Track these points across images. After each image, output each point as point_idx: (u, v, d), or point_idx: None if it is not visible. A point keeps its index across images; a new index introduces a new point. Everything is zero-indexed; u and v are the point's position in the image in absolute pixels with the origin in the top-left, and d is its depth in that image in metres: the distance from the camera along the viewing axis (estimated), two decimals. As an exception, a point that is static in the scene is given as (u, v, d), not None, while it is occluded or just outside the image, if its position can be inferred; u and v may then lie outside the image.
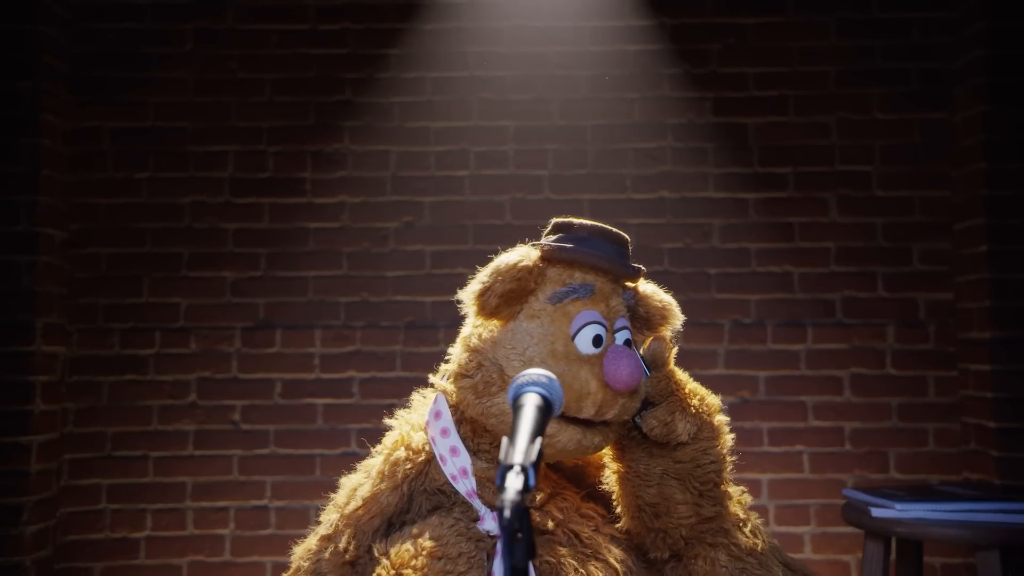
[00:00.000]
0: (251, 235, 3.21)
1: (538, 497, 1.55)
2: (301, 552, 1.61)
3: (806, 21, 3.25)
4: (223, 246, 3.20)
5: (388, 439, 1.66)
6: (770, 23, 3.26)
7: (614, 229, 1.57)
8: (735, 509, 1.56)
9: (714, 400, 1.56)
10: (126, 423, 3.12)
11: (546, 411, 1.24)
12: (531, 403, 1.22)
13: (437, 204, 3.23)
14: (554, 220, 1.61)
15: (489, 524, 1.48)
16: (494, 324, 1.53)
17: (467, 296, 1.52)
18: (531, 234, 3.18)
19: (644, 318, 1.60)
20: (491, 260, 1.55)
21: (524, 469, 1.07)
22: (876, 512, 2.12)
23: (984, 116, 2.98)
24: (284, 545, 3.10)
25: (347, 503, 1.59)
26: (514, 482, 1.04)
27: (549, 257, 1.53)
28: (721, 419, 1.56)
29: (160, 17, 3.25)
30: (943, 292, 3.15)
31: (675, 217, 3.21)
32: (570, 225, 1.57)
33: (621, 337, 1.50)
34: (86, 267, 3.17)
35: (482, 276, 1.51)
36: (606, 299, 1.51)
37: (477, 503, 1.51)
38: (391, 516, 1.55)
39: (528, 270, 1.48)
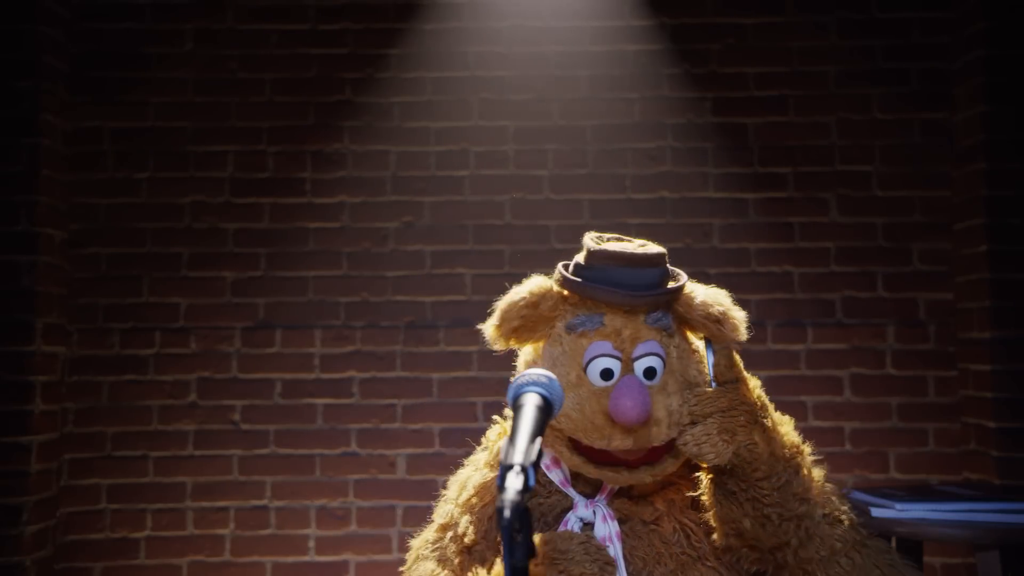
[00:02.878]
0: (251, 235, 3.21)
1: (637, 485, 1.52)
2: (419, 543, 1.63)
3: (806, 21, 3.25)
4: (223, 246, 3.20)
5: (492, 432, 1.70)
6: (770, 23, 3.26)
7: (638, 251, 1.49)
8: (810, 549, 1.46)
9: (771, 428, 1.46)
10: (126, 423, 3.12)
11: (546, 411, 1.24)
12: (531, 403, 1.22)
13: (437, 204, 3.23)
14: (586, 237, 1.55)
15: (582, 511, 1.50)
16: (529, 346, 1.56)
17: (486, 332, 1.54)
18: (531, 234, 3.20)
19: (698, 329, 1.52)
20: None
21: (524, 469, 1.07)
22: (876, 512, 2.12)
23: (984, 116, 2.98)
24: (284, 545, 3.11)
25: (459, 494, 1.62)
26: (514, 482, 1.04)
27: (561, 287, 1.52)
28: (792, 451, 1.47)
29: (160, 17, 3.25)
30: (943, 292, 3.15)
31: (675, 217, 3.21)
32: (588, 250, 1.52)
33: (642, 365, 1.46)
34: (86, 267, 3.17)
35: (496, 311, 1.52)
36: (617, 330, 1.47)
37: (570, 491, 1.54)
38: None
39: (533, 306, 1.49)
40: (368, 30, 3.26)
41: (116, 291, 3.17)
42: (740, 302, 3.34)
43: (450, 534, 1.57)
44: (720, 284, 1.47)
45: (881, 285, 3.16)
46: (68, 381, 3.12)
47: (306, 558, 3.09)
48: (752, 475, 1.43)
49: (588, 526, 1.49)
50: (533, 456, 1.10)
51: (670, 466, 1.49)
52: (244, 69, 3.25)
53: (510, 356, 3.34)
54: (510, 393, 1.28)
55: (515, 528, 1.01)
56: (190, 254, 3.20)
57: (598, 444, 1.45)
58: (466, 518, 1.55)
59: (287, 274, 3.20)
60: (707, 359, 1.49)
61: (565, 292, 1.52)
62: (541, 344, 1.55)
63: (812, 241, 3.19)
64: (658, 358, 1.46)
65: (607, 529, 1.48)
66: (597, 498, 1.53)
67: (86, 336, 3.15)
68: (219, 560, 3.08)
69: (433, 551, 1.58)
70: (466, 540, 1.53)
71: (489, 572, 1.42)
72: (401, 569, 1.66)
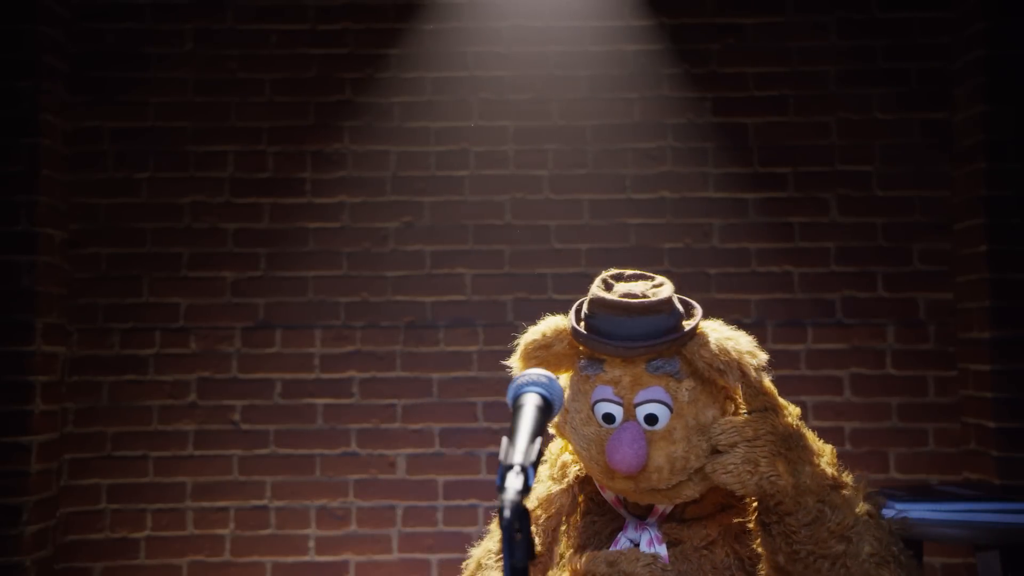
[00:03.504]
0: (251, 235, 3.21)
1: (692, 508, 1.53)
2: (481, 553, 1.65)
3: (806, 21, 3.24)
4: (223, 246, 3.20)
5: (553, 445, 1.70)
6: (770, 23, 3.26)
7: (634, 301, 1.48)
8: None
9: (801, 461, 1.44)
10: (126, 423, 3.12)
11: (546, 411, 1.24)
12: (531, 403, 1.22)
13: (437, 204, 3.23)
14: (599, 276, 1.60)
15: (631, 533, 1.52)
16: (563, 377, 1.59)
17: (512, 363, 1.59)
18: (531, 234, 3.20)
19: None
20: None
21: (524, 469, 1.07)
22: (876, 512, 2.11)
23: (984, 116, 2.98)
24: (284, 545, 3.11)
25: None
26: (514, 482, 1.04)
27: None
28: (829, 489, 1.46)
29: (160, 17, 3.25)
30: (943, 292, 3.15)
31: (675, 217, 3.21)
32: (591, 298, 1.55)
33: (643, 412, 1.46)
34: (86, 267, 3.17)
35: (519, 345, 1.58)
36: (617, 379, 1.48)
37: (622, 511, 1.56)
38: (567, 518, 1.58)
39: (545, 347, 1.55)
40: (368, 30, 3.26)
41: (116, 291, 3.17)
42: (740, 302, 3.32)
43: None
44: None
45: (881, 285, 3.16)
46: (68, 381, 3.12)
47: (306, 558, 3.09)
48: (777, 508, 1.42)
49: (637, 547, 1.51)
50: (533, 456, 1.10)
51: (691, 489, 1.49)
52: (244, 69, 3.25)
53: (509, 356, 3.33)
54: (510, 393, 1.28)
55: (515, 528, 1.01)
56: (190, 254, 3.20)
57: (601, 481, 1.49)
58: (532, 527, 1.56)
59: (287, 274, 3.20)
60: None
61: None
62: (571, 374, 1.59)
63: (812, 241, 3.19)
64: (661, 405, 1.46)
65: (653, 553, 1.50)
66: (648, 520, 1.54)
67: (86, 336, 3.15)
68: (219, 560, 3.08)
69: (497, 561, 1.59)
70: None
71: None
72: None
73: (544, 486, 1.61)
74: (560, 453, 1.65)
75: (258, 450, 3.13)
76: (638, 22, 3.25)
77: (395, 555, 3.09)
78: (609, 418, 1.48)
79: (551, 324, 1.58)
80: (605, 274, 1.59)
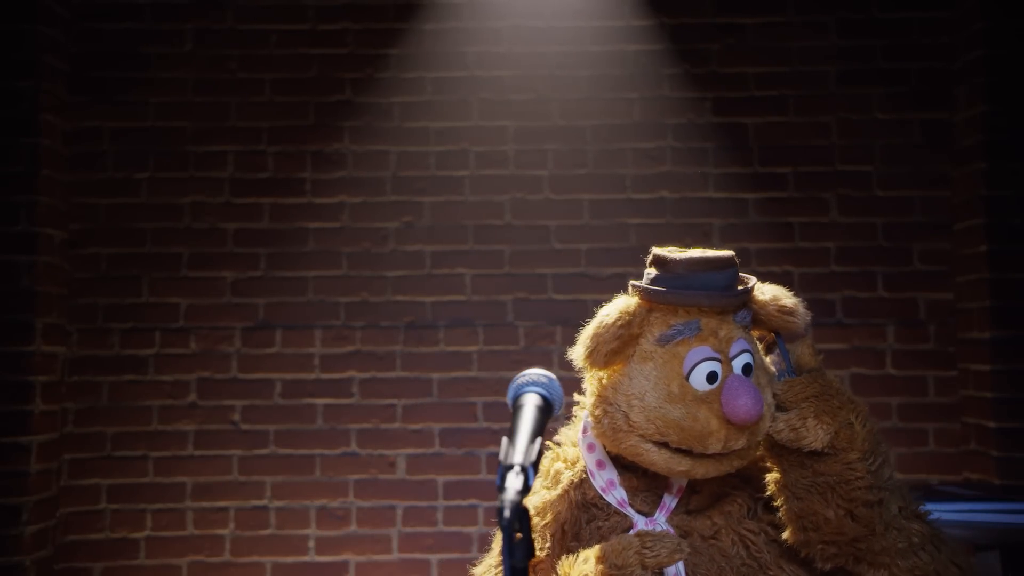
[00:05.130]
0: (251, 235, 3.21)
1: (694, 499, 1.54)
2: (482, 570, 1.62)
3: (806, 21, 3.25)
4: (223, 246, 3.20)
5: (544, 460, 1.67)
6: (770, 23, 3.26)
7: (714, 254, 1.51)
8: (890, 538, 1.44)
9: (863, 413, 1.47)
10: (126, 423, 3.12)
11: (546, 411, 1.24)
12: (531, 403, 1.22)
13: (437, 204, 3.23)
14: (653, 252, 1.55)
15: (642, 530, 1.51)
16: (612, 368, 1.53)
17: (577, 359, 1.51)
18: (531, 234, 3.20)
19: (767, 324, 1.55)
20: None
21: (524, 469, 1.07)
22: (876, 512, 2.11)
23: (984, 116, 2.98)
24: (284, 545, 3.11)
25: None
26: (514, 482, 1.04)
27: (648, 300, 1.52)
28: (873, 434, 1.47)
29: (160, 17, 3.25)
30: (943, 292, 3.15)
31: (675, 217, 3.21)
32: (665, 261, 1.52)
33: (740, 363, 1.47)
34: (86, 267, 3.17)
35: (586, 336, 1.49)
36: (714, 332, 1.48)
37: (629, 511, 1.54)
38: (564, 524, 1.56)
39: (627, 325, 1.48)
40: (368, 30, 3.26)
41: (116, 291, 3.17)
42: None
43: None
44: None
45: (881, 285, 3.16)
46: (68, 381, 3.12)
47: (306, 558, 3.09)
48: (848, 456, 1.43)
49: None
50: (533, 456, 1.10)
51: (753, 451, 1.49)
52: (244, 69, 3.25)
53: (509, 356, 3.34)
54: (510, 393, 1.28)
55: (515, 528, 1.01)
56: (190, 254, 3.20)
57: (713, 449, 1.45)
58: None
59: (287, 274, 3.20)
60: (780, 351, 1.53)
61: (648, 306, 1.52)
62: (616, 369, 1.53)
63: (812, 241, 3.19)
64: (750, 355, 1.49)
65: None
66: (656, 515, 1.53)
67: (86, 336, 3.15)
68: (219, 560, 3.08)
69: (498, 571, 1.57)
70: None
71: None
72: None
73: (539, 495, 1.60)
74: (552, 462, 1.63)
75: (258, 450, 3.13)
76: (638, 22, 3.25)
77: (395, 555, 3.09)
78: (713, 377, 1.46)
79: (621, 303, 1.51)
80: (660, 249, 1.56)
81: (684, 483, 1.54)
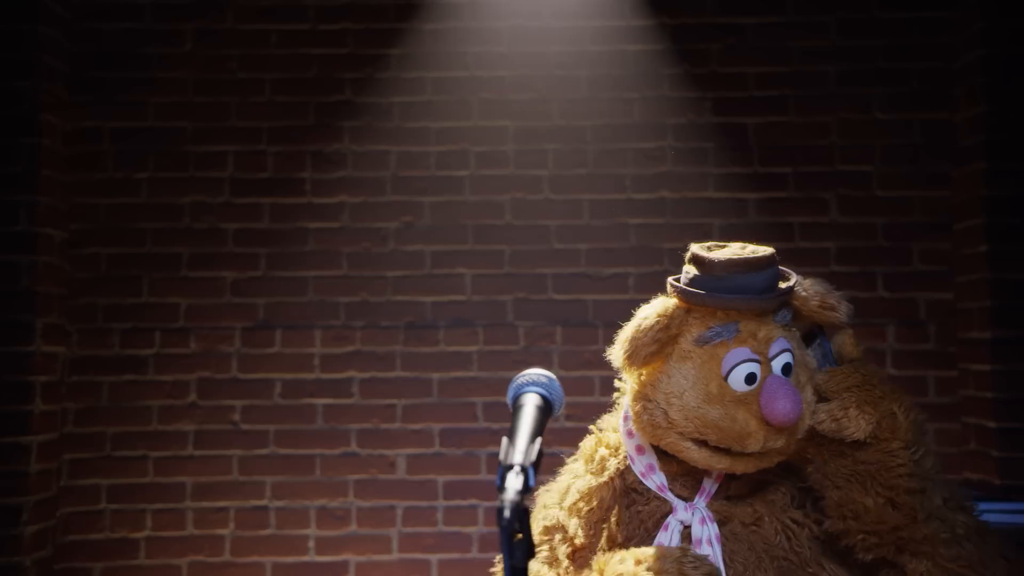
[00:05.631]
0: (251, 235, 3.21)
1: (734, 485, 1.54)
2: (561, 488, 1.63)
3: (806, 21, 3.24)
4: (223, 246, 3.20)
5: (586, 443, 1.69)
6: (770, 23, 3.26)
7: (753, 253, 1.51)
8: (932, 527, 1.43)
9: (907, 403, 1.48)
10: (126, 423, 3.12)
11: (546, 411, 1.24)
12: (531, 403, 1.22)
13: (437, 204, 3.23)
14: (691, 249, 1.55)
15: (681, 515, 1.52)
16: (651, 366, 1.54)
17: (615, 360, 1.52)
18: (531, 234, 3.20)
19: (809, 318, 1.57)
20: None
21: (524, 469, 1.07)
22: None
23: (984, 116, 2.98)
24: (284, 545, 3.11)
25: (561, 500, 1.61)
26: (514, 482, 1.04)
27: (686, 302, 1.52)
28: (916, 423, 1.47)
29: (160, 17, 3.25)
30: (943, 292, 3.15)
31: (675, 217, 3.21)
32: (703, 261, 1.51)
33: (779, 363, 1.48)
34: (86, 267, 3.17)
35: (624, 339, 1.50)
36: (753, 333, 1.48)
37: (669, 496, 1.55)
38: (607, 511, 1.57)
39: (665, 328, 1.48)
40: (368, 30, 3.26)
41: (116, 291, 3.17)
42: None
43: (558, 536, 1.56)
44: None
45: (881, 285, 3.16)
46: (68, 381, 3.12)
47: (306, 558, 3.09)
48: (890, 445, 1.44)
49: (687, 529, 1.50)
50: (533, 456, 1.10)
51: (794, 446, 1.50)
52: (244, 69, 3.25)
53: (509, 356, 3.34)
54: (510, 393, 1.28)
55: (515, 528, 1.01)
56: (190, 254, 3.20)
57: (752, 449, 1.46)
58: (575, 521, 1.56)
59: (287, 274, 3.20)
60: (822, 345, 1.55)
61: (687, 307, 1.52)
62: (655, 367, 1.53)
63: (812, 241, 3.19)
64: (790, 354, 1.49)
65: (706, 532, 1.50)
66: (696, 500, 1.54)
67: (86, 336, 3.15)
68: (219, 560, 3.08)
69: (537, 552, 1.57)
70: (576, 542, 1.54)
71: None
72: (493, 571, 1.67)
73: (584, 480, 1.61)
74: (595, 448, 1.64)
75: (258, 450, 3.13)
76: (638, 22, 3.25)
77: (395, 555, 3.09)
78: (751, 378, 1.46)
79: (659, 304, 1.52)
80: (697, 246, 1.56)
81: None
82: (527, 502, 1.04)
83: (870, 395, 1.46)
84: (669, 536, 1.50)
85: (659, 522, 1.53)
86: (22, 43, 2.98)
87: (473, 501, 3.11)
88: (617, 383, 1.67)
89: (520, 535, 1.01)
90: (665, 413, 1.49)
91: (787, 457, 1.52)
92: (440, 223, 3.22)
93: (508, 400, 1.27)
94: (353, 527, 3.10)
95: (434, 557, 3.09)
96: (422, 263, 3.21)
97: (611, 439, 1.64)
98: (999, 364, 2.89)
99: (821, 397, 1.49)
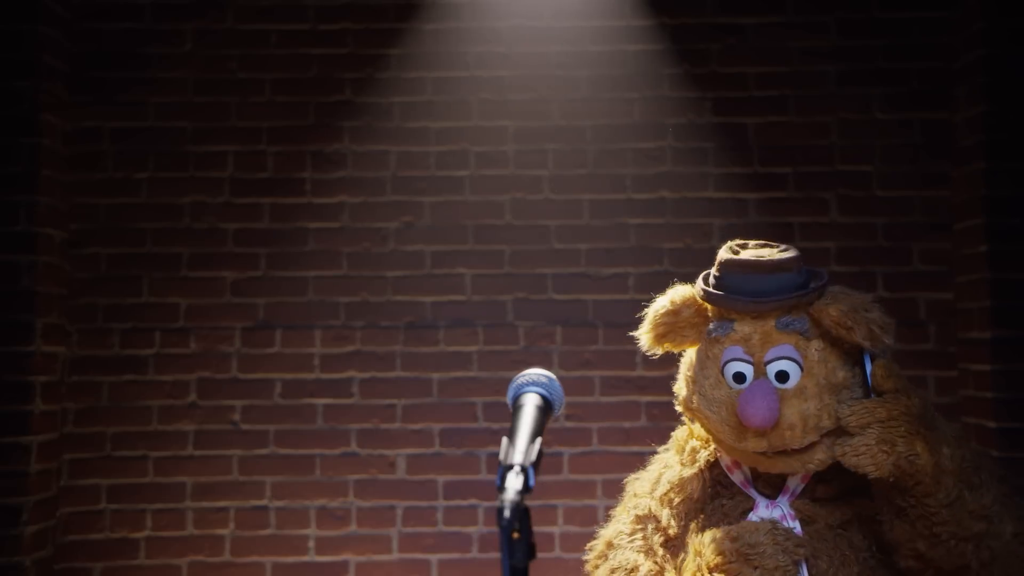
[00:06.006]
0: (251, 235, 3.21)
1: (821, 488, 1.55)
2: (612, 533, 1.64)
3: (806, 21, 3.24)
4: (223, 246, 3.20)
5: (677, 433, 1.72)
6: (770, 23, 3.26)
7: (766, 257, 1.53)
8: (1000, 569, 1.40)
9: (945, 441, 1.42)
10: (126, 423, 3.12)
11: (546, 411, 1.24)
12: (531, 403, 1.22)
13: (437, 204, 3.23)
14: (722, 248, 1.62)
15: (763, 511, 1.53)
16: (685, 350, 1.63)
17: (640, 338, 1.63)
18: (531, 234, 3.20)
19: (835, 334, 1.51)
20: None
21: (524, 469, 1.07)
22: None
23: (984, 116, 2.98)
24: (284, 545, 3.11)
25: (652, 490, 1.64)
26: (514, 482, 1.04)
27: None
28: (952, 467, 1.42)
29: (160, 17, 3.25)
30: (943, 292, 3.15)
31: (675, 217, 3.21)
32: (718, 258, 1.59)
33: (773, 369, 1.48)
34: (86, 267, 3.17)
35: (646, 317, 1.62)
36: (747, 336, 1.50)
37: (752, 492, 1.56)
38: (697, 502, 1.59)
39: (674, 313, 1.58)
40: (368, 30, 3.26)
41: (116, 291, 3.17)
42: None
43: (651, 525, 1.58)
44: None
45: (881, 285, 3.16)
46: (68, 381, 3.12)
47: (306, 558, 3.09)
48: (916, 490, 1.38)
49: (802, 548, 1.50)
50: (533, 456, 1.10)
51: (823, 453, 1.47)
52: (244, 69, 3.25)
53: (509, 356, 3.34)
54: (510, 393, 1.28)
55: (515, 528, 1.01)
56: (190, 254, 3.20)
57: (733, 444, 1.49)
58: (667, 511, 1.58)
59: (287, 274, 3.20)
60: (865, 368, 1.49)
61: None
62: (690, 348, 1.62)
63: (812, 241, 3.18)
64: (791, 362, 1.48)
65: None
66: (779, 499, 1.54)
67: (86, 336, 3.15)
68: (219, 560, 3.08)
69: (631, 541, 1.59)
70: (670, 532, 1.56)
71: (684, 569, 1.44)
72: (587, 557, 1.67)
73: (675, 471, 1.63)
74: (687, 439, 1.67)
75: (258, 450, 3.13)
76: (638, 22, 3.25)
77: (395, 555, 3.09)
78: (740, 377, 1.49)
79: (678, 292, 1.61)
80: (731, 243, 1.61)
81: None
82: (527, 502, 1.04)
83: (890, 433, 1.39)
84: (788, 558, 1.49)
85: (741, 517, 1.54)
86: (22, 43, 2.98)
87: (473, 501, 3.11)
88: None
89: (519, 535, 1.01)
90: (699, 389, 1.56)
91: (822, 468, 1.50)
92: (440, 223, 3.22)
93: (508, 400, 1.27)
94: (353, 527, 3.10)
95: (434, 557, 3.09)
96: (422, 263, 3.21)
97: (702, 432, 1.65)
98: (999, 364, 2.89)
99: (846, 432, 1.43)
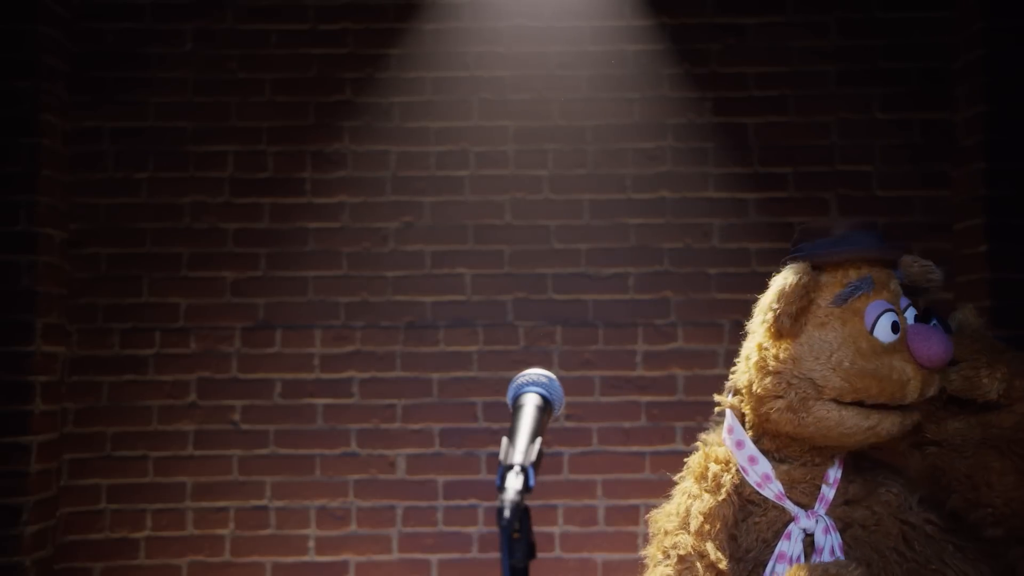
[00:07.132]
0: (251, 235, 3.21)
1: (851, 488, 1.56)
2: (663, 518, 1.62)
3: (806, 21, 3.25)
4: (223, 246, 3.20)
5: (692, 460, 1.68)
6: (770, 23, 3.26)
7: (862, 221, 1.62)
8: None
9: None
10: (126, 423, 3.12)
11: (546, 411, 1.24)
12: (531, 403, 1.22)
13: (437, 204, 3.23)
14: (799, 230, 1.64)
15: (804, 522, 1.53)
16: (785, 343, 1.56)
17: (758, 325, 1.58)
18: (531, 234, 3.20)
19: (911, 286, 1.62)
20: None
21: (524, 469, 1.07)
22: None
23: (984, 116, 2.98)
24: (284, 545, 3.11)
25: (683, 524, 1.58)
26: (514, 482, 1.05)
27: (820, 263, 1.57)
28: None
29: (160, 17, 3.25)
30: (943, 292, 3.15)
31: (675, 217, 3.21)
32: (818, 230, 1.61)
33: (910, 315, 1.54)
34: (86, 267, 3.17)
35: (769, 304, 1.55)
36: (885, 285, 1.55)
37: (789, 504, 1.55)
38: (731, 528, 1.57)
39: (808, 285, 1.54)
40: (368, 30, 3.26)
41: (116, 291, 3.17)
42: (740, 302, 3.32)
43: (700, 564, 1.53)
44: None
45: (881, 285, 3.16)
46: (68, 381, 3.12)
47: (306, 558, 3.09)
48: (1022, 407, 1.46)
49: (810, 536, 1.51)
50: (533, 456, 1.10)
51: (920, 413, 1.55)
52: (244, 69, 3.25)
53: (509, 356, 3.33)
54: (510, 393, 1.28)
55: (515, 528, 1.01)
56: (190, 254, 3.20)
57: (911, 397, 1.49)
58: (710, 545, 1.53)
59: (287, 274, 3.20)
60: (936, 318, 1.60)
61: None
62: (788, 343, 1.56)
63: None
64: (913, 308, 1.56)
65: (830, 541, 1.50)
66: (816, 508, 1.54)
67: (86, 336, 3.15)
68: (219, 560, 3.08)
69: (679, 527, 1.57)
70: (720, 566, 1.52)
71: None
72: None
73: (704, 501, 1.58)
74: (703, 464, 1.62)
75: (258, 450, 3.13)
76: (638, 22, 3.25)
77: (395, 555, 3.09)
78: (896, 327, 1.51)
79: (791, 271, 1.55)
80: (805, 227, 1.67)
81: (839, 473, 1.56)
82: (527, 502, 1.04)
83: (999, 357, 1.49)
84: (792, 544, 1.51)
85: (778, 532, 1.53)
86: (22, 43, 2.98)
87: (473, 501, 3.11)
88: (716, 397, 1.68)
89: (519, 535, 1.02)
90: (813, 382, 1.51)
91: (915, 424, 1.53)
92: (440, 223, 3.22)
93: (508, 400, 1.27)
94: (353, 527, 3.10)
95: (434, 557, 3.09)
96: (422, 263, 3.21)
97: (719, 453, 1.62)
98: (999, 364, 2.89)
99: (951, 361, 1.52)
